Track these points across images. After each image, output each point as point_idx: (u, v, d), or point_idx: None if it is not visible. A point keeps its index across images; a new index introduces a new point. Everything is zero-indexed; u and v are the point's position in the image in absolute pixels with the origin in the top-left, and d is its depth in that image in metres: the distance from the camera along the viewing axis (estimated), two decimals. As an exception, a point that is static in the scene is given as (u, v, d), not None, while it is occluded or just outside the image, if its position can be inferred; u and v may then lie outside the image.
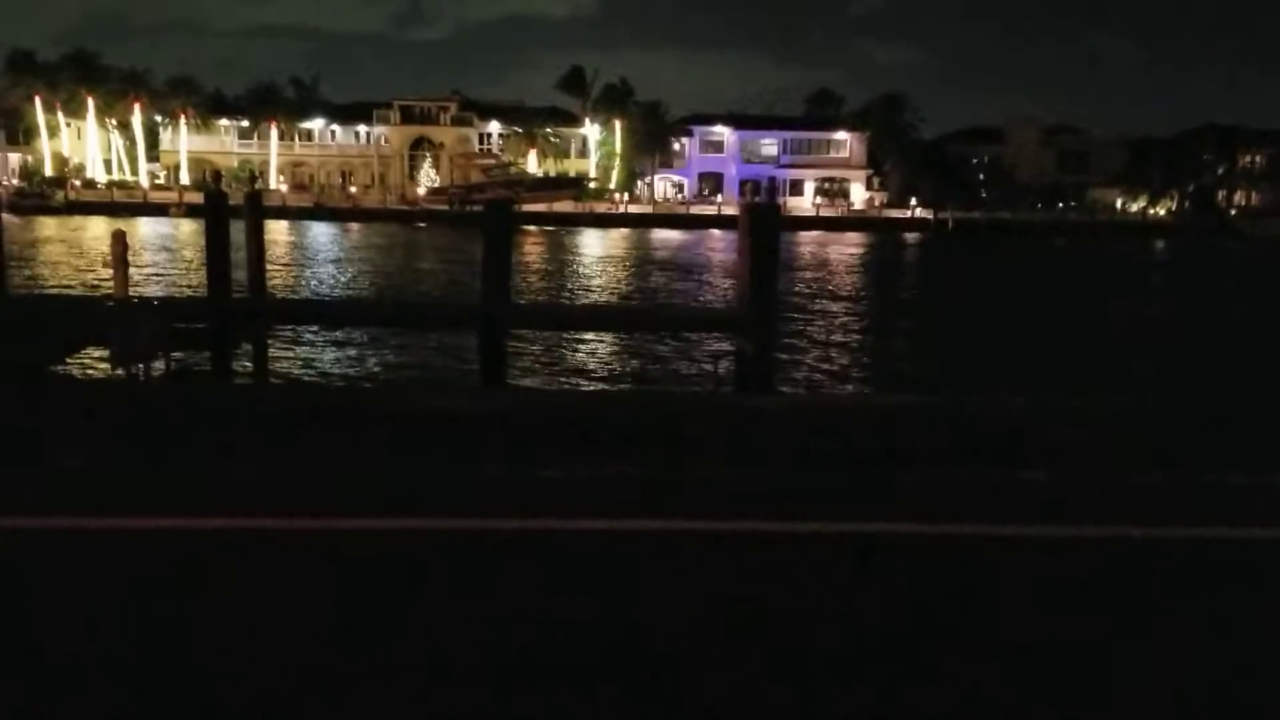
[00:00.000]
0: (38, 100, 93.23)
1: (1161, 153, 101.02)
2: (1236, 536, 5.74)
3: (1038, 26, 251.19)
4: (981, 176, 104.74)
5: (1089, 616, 4.62)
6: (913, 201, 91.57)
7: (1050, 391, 14.61)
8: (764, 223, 13.29)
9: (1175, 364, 21.81)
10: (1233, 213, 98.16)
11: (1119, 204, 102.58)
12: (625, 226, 79.35)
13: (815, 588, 4.88)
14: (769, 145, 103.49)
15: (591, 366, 19.78)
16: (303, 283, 36.07)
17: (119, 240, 14.50)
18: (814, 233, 76.31)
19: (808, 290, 36.03)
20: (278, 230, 60.27)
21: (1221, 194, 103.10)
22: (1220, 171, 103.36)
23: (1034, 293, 38.86)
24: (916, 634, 4.39)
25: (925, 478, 6.72)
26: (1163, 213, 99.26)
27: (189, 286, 30.58)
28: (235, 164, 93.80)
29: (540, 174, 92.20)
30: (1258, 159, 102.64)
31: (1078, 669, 4.07)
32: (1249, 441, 8.14)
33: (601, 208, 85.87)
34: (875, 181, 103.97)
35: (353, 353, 20.36)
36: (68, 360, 14.74)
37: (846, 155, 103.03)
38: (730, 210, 76.00)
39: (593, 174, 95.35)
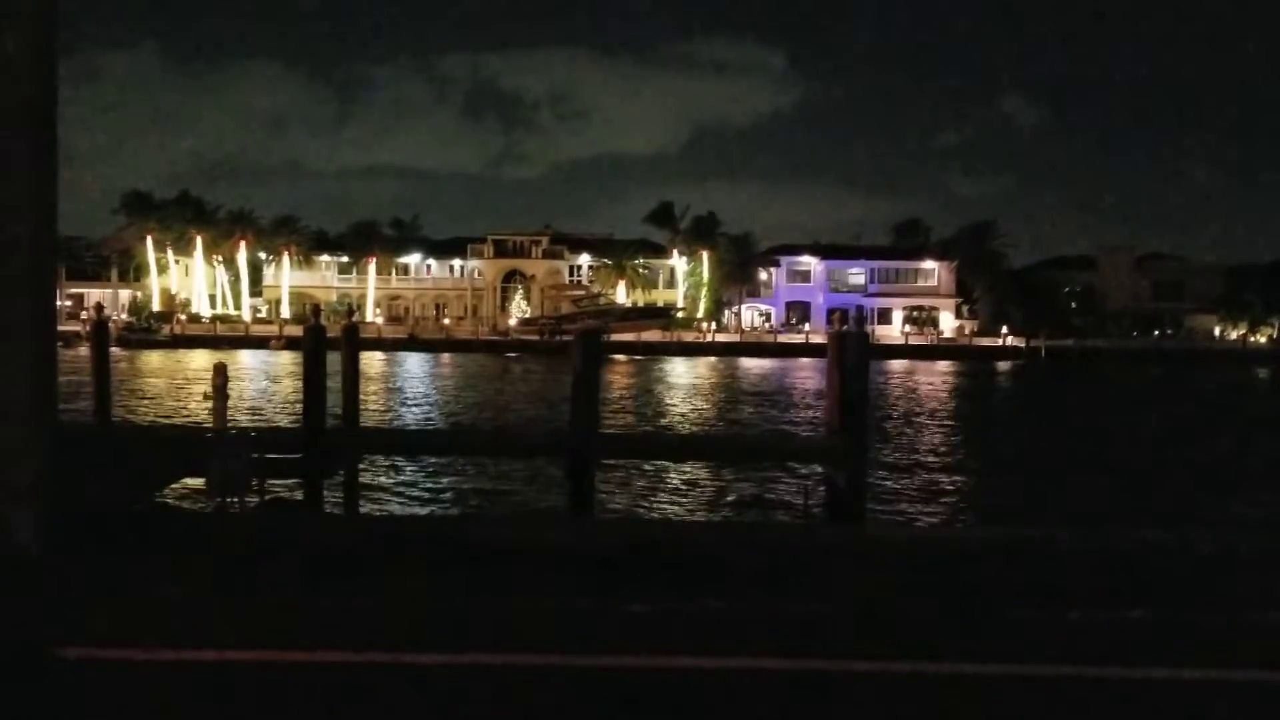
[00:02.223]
0: (149, 239, 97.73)
1: (1261, 279, 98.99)
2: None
3: (1130, 155, 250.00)
4: (1073, 304, 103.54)
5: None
6: (1004, 330, 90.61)
7: (1147, 526, 14.05)
8: (853, 351, 13.22)
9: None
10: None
11: (1218, 331, 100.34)
12: (712, 355, 79.66)
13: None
14: (856, 274, 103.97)
15: (679, 494, 19.60)
16: (395, 412, 36.69)
17: (219, 373, 14.90)
18: (903, 361, 75.77)
19: (898, 418, 35.57)
20: (373, 361, 61.67)
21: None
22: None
23: (1129, 422, 37.83)
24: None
25: (1016, 615, 6.45)
26: (1264, 340, 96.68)
27: (285, 416, 31.26)
28: (334, 297, 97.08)
29: (629, 304, 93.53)
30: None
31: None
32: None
33: (689, 337, 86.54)
34: (965, 309, 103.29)
35: (442, 481, 20.48)
36: (166, 489, 15.04)
37: (935, 283, 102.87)
38: (818, 339, 76.06)
39: (680, 304, 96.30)
